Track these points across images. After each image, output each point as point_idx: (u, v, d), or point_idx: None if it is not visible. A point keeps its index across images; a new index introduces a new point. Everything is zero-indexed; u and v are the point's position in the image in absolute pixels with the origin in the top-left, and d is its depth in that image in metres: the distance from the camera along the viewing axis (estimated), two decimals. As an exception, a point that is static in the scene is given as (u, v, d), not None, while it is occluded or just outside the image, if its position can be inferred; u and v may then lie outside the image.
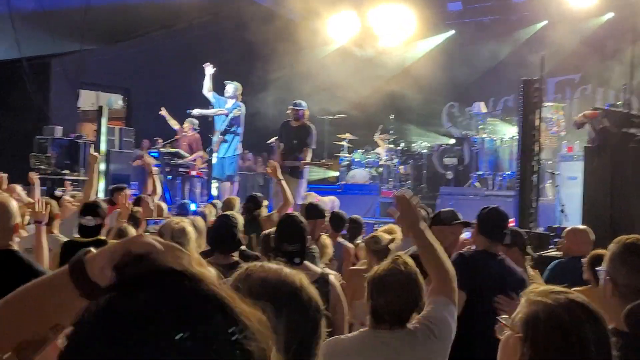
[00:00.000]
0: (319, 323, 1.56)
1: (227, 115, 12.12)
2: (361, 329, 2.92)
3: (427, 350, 2.78)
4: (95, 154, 6.17)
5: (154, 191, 8.02)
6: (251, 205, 7.12)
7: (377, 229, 7.99)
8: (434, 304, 2.89)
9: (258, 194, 7.69)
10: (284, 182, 7.08)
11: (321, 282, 3.81)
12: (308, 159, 10.75)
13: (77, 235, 5.15)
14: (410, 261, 2.92)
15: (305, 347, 1.52)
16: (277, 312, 1.51)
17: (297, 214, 4.14)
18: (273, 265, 1.68)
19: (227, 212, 5.53)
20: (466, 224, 4.51)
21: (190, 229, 4.37)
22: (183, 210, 8.25)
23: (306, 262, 3.97)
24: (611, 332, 2.07)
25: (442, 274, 2.99)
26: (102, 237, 5.02)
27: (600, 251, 4.55)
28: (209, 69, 12.13)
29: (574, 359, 1.73)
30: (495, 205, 4.77)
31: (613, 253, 2.54)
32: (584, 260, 4.40)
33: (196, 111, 12.70)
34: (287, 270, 1.65)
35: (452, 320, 2.90)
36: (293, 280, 1.60)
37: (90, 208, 5.12)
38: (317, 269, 4.05)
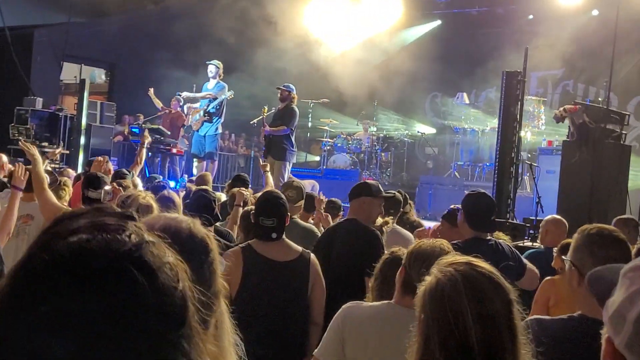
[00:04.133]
0: (204, 264, 1.53)
1: (214, 99, 12.41)
2: (384, 301, 2.81)
3: None
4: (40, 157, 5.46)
5: (136, 163, 7.98)
6: (239, 184, 6.58)
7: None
8: None
9: (244, 174, 7.53)
10: (269, 174, 8.18)
11: (302, 260, 3.89)
12: (275, 128, 10.79)
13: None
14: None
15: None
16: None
17: (278, 191, 4.17)
18: (165, 214, 1.71)
19: (204, 187, 5.53)
20: (388, 197, 4.89)
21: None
22: (157, 192, 8.10)
23: (286, 240, 3.94)
24: (583, 319, 2.13)
25: None
26: None
27: (570, 240, 4.63)
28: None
29: (453, 331, 1.69)
30: (480, 191, 4.57)
31: (578, 243, 2.53)
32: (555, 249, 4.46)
33: (185, 94, 13.24)
34: (175, 216, 1.67)
35: None
36: (181, 222, 1.60)
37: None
38: (298, 247, 3.96)
